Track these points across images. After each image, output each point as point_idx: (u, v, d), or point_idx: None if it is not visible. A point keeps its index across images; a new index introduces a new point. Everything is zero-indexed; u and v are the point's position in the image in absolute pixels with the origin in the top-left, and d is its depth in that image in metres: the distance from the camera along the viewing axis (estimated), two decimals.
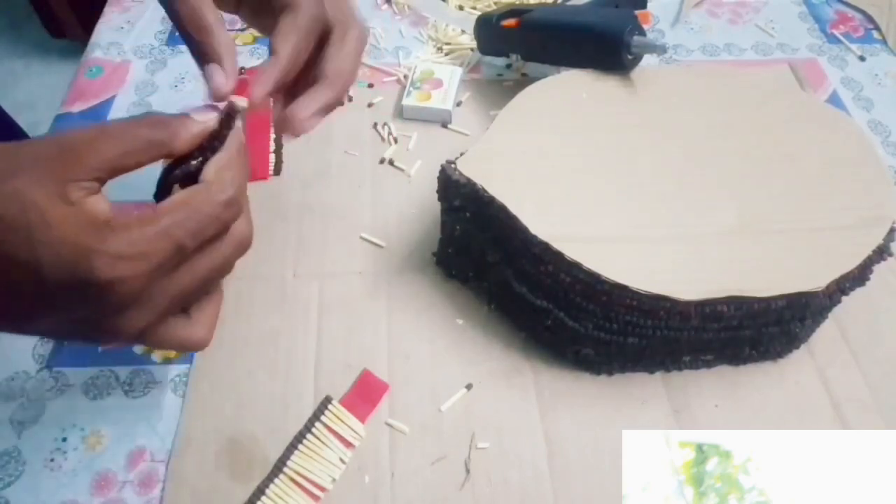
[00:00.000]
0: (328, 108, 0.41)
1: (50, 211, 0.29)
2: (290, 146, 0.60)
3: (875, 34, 0.74)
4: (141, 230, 0.30)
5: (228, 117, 0.36)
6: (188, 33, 0.37)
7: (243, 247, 0.36)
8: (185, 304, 0.34)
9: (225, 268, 0.35)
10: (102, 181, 0.31)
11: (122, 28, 0.71)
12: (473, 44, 0.67)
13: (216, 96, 0.37)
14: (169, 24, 0.71)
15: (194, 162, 0.34)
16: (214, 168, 0.34)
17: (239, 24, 0.71)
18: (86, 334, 0.32)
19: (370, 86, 0.66)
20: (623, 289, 0.41)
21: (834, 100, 0.67)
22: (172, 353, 0.48)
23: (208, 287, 0.35)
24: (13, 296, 0.30)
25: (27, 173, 0.29)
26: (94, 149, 0.31)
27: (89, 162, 0.30)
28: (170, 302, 0.33)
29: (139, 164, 0.32)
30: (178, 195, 0.32)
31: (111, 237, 0.30)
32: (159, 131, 0.33)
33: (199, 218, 0.32)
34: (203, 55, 0.38)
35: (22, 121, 0.83)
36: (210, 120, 0.35)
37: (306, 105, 0.40)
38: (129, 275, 0.30)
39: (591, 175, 0.47)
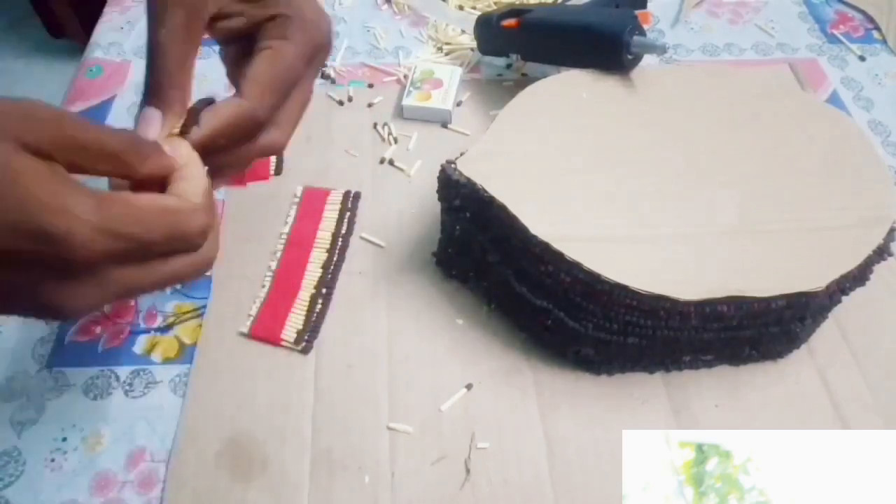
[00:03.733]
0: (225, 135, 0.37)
1: (14, 159, 0.27)
2: (290, 146, 0.60)
3: (875, 34, 0.74)
4: (120, 207, 0.30)
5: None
6: (153, 64, 0.36)
7: (202, 269, 0.35)
8: (128, 298, 0.33)
9: (179, 281, 0.34)
10: (54, 160, 0.29)
11: (122, 28, 0.71)
12: (473, 44, 0.67)
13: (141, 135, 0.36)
14: None
15: None
16: (199, 191, 0.34)
17: None
18: (26, 300, 0.30)
19: (370, 86, 0.66)
20: (623, 289, 0.41)
21: (834, 100, 0.67)
22: (172, 353, 0.49)
23: (157, 290, 0.34)
24: None
25: None
26: (58, 123, 0.29)
27: (50, 130, 0.29)
28: (118, 293, 0.31)
29: (93, 169, 0.31)
30: (161, 199, 0.32)
31: (83, 199, 0.28)
32: (130, 151, 0.32)
33: (175, 232, 0.32)
34: (151, 93, 0.36)
35: None
36: (180, 157, 0.34)
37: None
38: (89, 241, 0.28)
39: (591, 175, 0.47)
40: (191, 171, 0.34)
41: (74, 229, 0.28)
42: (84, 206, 0.28)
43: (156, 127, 0.36)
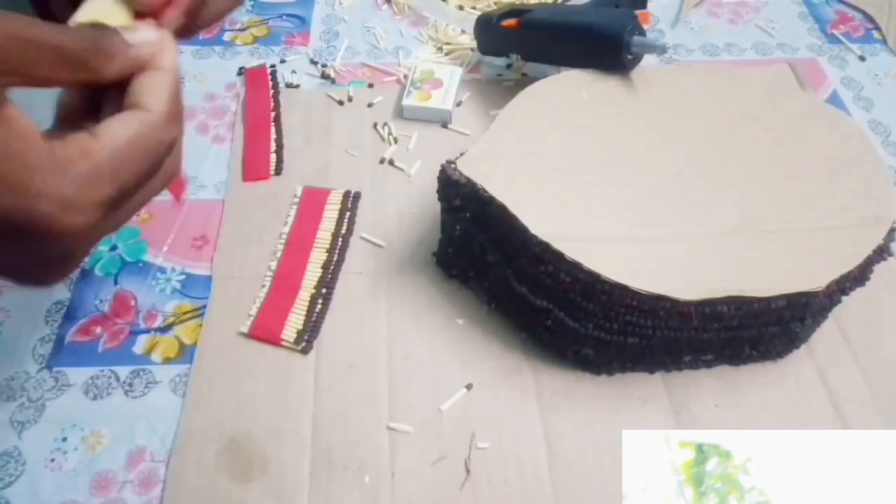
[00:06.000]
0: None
1: None
2: (290, 146, 0.61)
3: (875, 34, 0.74)
4: (89, 167, 0.26)
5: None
6: None
7: (171, 179, 0.31)
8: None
9: (152, 198, 0.31)
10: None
11: None
12: (473, 44, 0.67)
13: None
14: None
15: None
16: (164, 96, 0.28)
17: (238, 25, 0.71)
18: (13, 277, 0.28)
19: (370, 86, 0.66)
20: (623, 289, 0.41)
21: (834, 100, 0.67)
22: (172, 353, 0.48)
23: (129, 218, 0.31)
24: None
25: None
26: (5, 23, 0.24)
27: None
28: (100, 238, 0.29)
29: (48, 78, 0.26)
30: (124, 127, 0.27)
31: (56, 173, 0.25)
32: (93, 50, 0.27)
33: (148, 158, 0.28)
34: None
35: None
36: (150, 44, 0.30)
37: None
38: (78, 225, 0.25)
39: (591, 175, 0.47)
40: (161, 61, 0.29)
41: (50, 217, 0.24)
42: (54, 180, 0.25)
43: None
